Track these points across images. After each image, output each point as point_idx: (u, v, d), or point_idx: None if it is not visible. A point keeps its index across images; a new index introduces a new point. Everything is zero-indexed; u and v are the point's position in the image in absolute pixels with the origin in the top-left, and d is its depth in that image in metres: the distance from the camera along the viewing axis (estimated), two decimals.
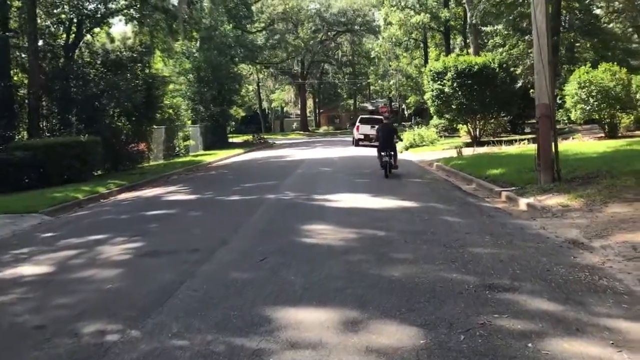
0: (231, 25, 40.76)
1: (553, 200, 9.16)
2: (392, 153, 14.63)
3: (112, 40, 25.93)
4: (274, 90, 76.27)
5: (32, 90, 19.10)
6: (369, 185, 13.21)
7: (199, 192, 13.25)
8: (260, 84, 72.54)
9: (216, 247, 7.23)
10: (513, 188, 10.87)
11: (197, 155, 30.14)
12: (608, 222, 7.45)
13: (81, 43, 23.52)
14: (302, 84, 67.57)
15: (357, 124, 33.33)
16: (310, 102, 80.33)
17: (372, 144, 32.49)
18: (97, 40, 26.57)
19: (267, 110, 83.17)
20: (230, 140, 44.79)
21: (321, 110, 79.58)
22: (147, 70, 24.45)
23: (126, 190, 14.89)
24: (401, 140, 23.41)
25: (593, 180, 10.11)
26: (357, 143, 32.95)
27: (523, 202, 9.50)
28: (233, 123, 56.56)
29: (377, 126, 31.97)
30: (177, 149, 33.42)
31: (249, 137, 47.50)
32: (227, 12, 43.70)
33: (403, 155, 25.04)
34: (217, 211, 10.64)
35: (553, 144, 10.42)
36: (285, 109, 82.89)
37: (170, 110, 27.46)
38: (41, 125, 19.69)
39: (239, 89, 42.38)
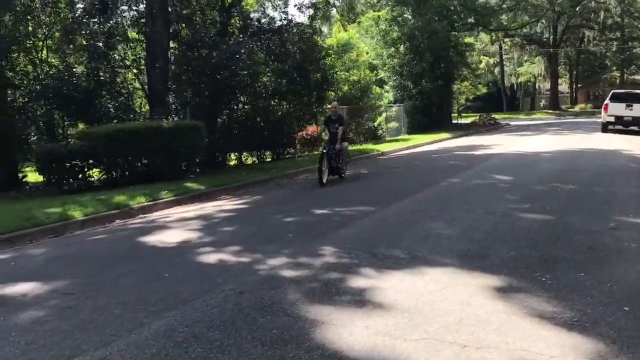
0: None
1: None
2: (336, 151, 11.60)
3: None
4: (521, 63, 66.23)
5: (159, 64, 16.07)
6: (529, 244, 5.85)
7: (223, 226, 7.81)
8: (503, 56, 63.45)
9: None
10: None
11: (387, 141, 24.92)
12: None
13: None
14: (554, 53, 56.68)
15: (606, 101, 24.15)
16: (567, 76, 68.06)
17: (627, 129, 23.34)
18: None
19: (515, 87, 73.28)
20: (457, 121, 38.20)
21: (579, 85, 66.81)
22: (316, 38, 20.16)
23: (188, 202, 10.39)
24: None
25: None
26: (605, 128, 24.04)
27: None
28: (463, 101, 49.58)
29: (633, 105, 23.06)
30: (380, 132, 28.94)
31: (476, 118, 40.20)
32: None
33: None
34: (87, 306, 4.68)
35: None
36: (537, 84, 71.70)
37: (346, 87, 22.60)
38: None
39: (464, 61, 35.54)
